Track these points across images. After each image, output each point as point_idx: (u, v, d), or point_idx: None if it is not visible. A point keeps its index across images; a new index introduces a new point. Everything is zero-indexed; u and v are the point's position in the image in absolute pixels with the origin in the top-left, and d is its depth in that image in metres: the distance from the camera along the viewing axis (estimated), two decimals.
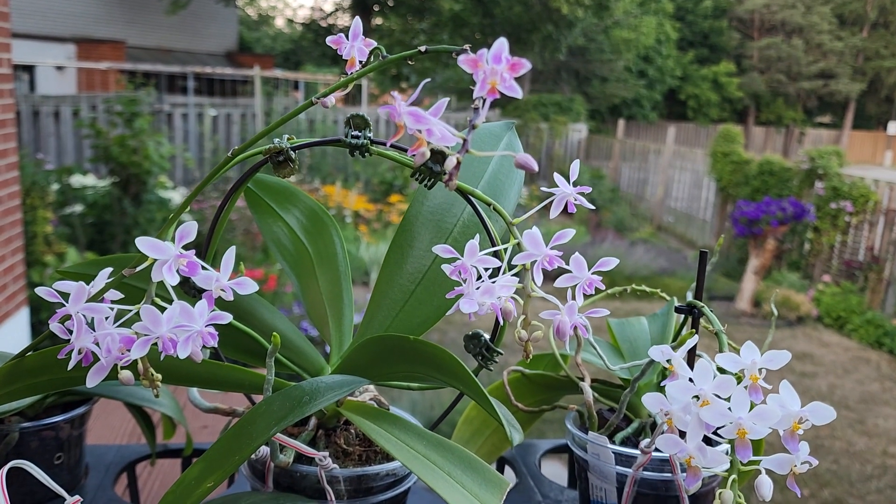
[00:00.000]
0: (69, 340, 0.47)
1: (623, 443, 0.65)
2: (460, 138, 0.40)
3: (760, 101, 20.26)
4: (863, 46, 19.97)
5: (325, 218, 0.68)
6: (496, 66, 0.37)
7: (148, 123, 5.56)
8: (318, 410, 0.58)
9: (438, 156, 0.47)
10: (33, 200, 5.16)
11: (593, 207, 0.49)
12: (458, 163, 0.39)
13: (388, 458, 0.58)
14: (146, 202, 5.38)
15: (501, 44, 0.37)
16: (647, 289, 0.81)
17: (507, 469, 0.83)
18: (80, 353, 0.47)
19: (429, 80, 0.40)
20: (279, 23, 19.85)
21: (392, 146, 0.54)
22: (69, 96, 7.58)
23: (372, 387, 0.66)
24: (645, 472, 0.60)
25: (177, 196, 5.72)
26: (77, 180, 5.63)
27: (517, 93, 0.37)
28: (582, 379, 0.69)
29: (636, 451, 0.60)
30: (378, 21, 12.63)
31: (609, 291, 0.82)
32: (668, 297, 0.76)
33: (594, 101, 17.29)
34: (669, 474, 0.60)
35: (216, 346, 0.59)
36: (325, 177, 8.03)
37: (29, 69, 10.03)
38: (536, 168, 0.42)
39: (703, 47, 20.17)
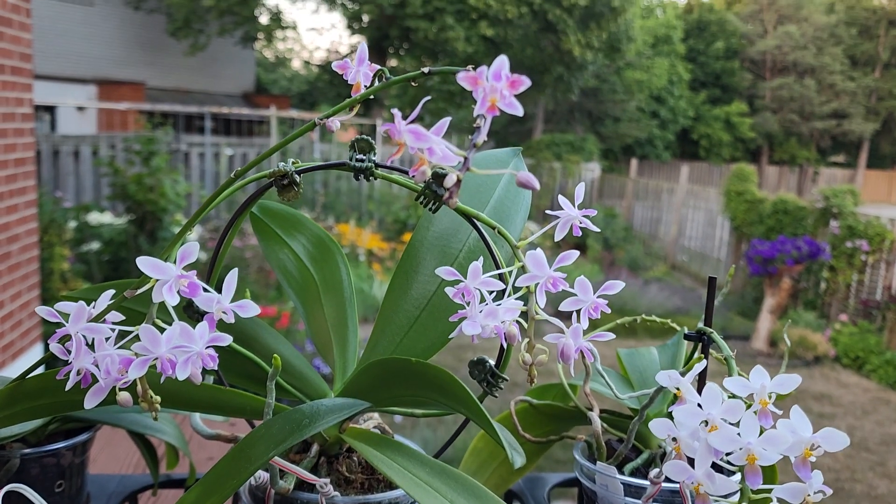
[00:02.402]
0: (69, 362, 0.47)
1: (632, 474, 0.63)
2: (461, 156, 0.40)
3: (773, 141, 20.29)
4: (875, 86, 20.02)
5: (331, 245, 0.68)
6: (496, 84, 0.37)
7: (165, 162, 5.63)
8: (321, 437, 0.58)
9: (442, 179, 0.47)
10: (51, 237, 5.22)
11: (598, 230, 0.49)
12: (459, 180, 0.39)
13: (391, 486, 0.57)
14: (162, 239, 5.43)
15: (502, 61, 0.37)
16: (658, 318, 0.80)
17: (516, 503, 0.81)
18: (78, 373, 0.47)
19: (429, 97, 0.40)
20: (296, 64, 20.16)
21: (398, 170, 0.54)
22: (89, 136, 7.71)
23: (376, 415, 0.65)
24: None
25: (192, 234, 5.77)
26: (94, 218, 5.69)
27: (517, 110, 0.37)
28: (590, 409, 0.68)
29: (645, 482, 0.59)
30: (393, 63, 12.83)
31: (619, 321, 0.81)
32: (678, 327, 0.75)
33: (607, 141, 17.37)
34: None
35: (217, 369, 0.58)
36: (339, 215, 8.08)
37: (50, 109, 10.23)
38: (538, 186, 0.41)
39: (715, 88, 20.29)
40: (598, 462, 0.63)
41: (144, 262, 0.45)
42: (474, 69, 0.38)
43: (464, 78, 0.37)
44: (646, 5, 20.75)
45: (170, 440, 0.72)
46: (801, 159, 20.01)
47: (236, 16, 11.77)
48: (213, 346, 0.47)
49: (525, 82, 0.37)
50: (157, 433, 0.71)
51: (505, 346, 0.49)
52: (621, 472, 0.62)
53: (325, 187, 8.38)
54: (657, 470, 0.56)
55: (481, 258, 0.49)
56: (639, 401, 0.67)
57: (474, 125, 0.40)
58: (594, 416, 0.66)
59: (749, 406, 0.45)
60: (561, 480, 0.82)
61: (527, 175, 0.41)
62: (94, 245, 5.49)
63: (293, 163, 0.54)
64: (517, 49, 11.93)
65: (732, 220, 8.41)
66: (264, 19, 12.60)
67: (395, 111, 0.38)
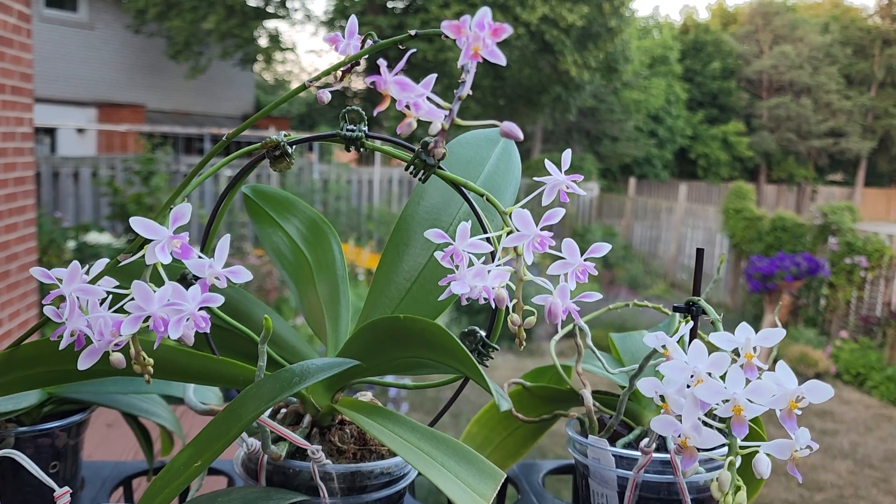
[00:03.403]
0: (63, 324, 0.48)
1: (624, 449, 0.64)
2: (446, 109, 0.41)
3: (771, 160, 20.39)
4: (871, 105, 20.16)
5: (323, 226, 0.69)
6: (479, 32, 0.38)
7: (164, 182, 5.66)
8: (313, 407, 0.58)
9: (430, 147, 0.48)
10: (50, 258, 5.22)
11: (584, 193, 0.49)
12: (444, 129, 0.39)
13: (383, 457, 0.58)
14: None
15: (484, 11, 0.38)
16: (649, 304, 0.81)
17: (510, 488, 0.81)
18: (72, 335, 0.47)
19: (414, 49, 0.41)
20: (295, 86, 20.31)
21: (388, 140, 0.54)
22: (89, 158, 7.74)
23: (370, 393, 0.65)
24: (646, 475, 0.59)
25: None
26: (93, 238, 5.70)
27: (500, 59, 0.38)
28: (582, 388, 0.68)
29: (636, 453, 0.59)
30: None
31: (611, 307, 0.81)
32: (668, 312, 0.75)
33: (605, 160, 17.44)
34: (671, 476, 0.59)
35: (211, 343, 0.59)
36: (339, 235, 8.09)
37: (51, 132, 10.28)
38: (521, 136, 0.42)
39: (712, 107, 20.41)
40: (589, 436, 0.63)
41: (137, 223, 0.46)
42: (458, 18, 0.39)
43: (448, 27, 0.38)
44: (642, 26, 20.95)
45: (164, 423, 0.73)
46: (798, 178, 20.09)
47: (236, 38, 11.86)
48: (206, 308, 0.47)
49: (507, 30, 0.38)
50: (152, 416, 0.72)
51: (494, 307, 0.49)
52: (614, 447, 0.62)
53: (325, 207, 8.41)
54: (647, 440, 0.57)
55: (470, 221, 0.50)
56: (628, 376, 0.68)
57: (459, 80, 0.41)
58: (586, 393, 0.66)
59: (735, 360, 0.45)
60: (556, 466, 0.82)
61: (510, 125, 0.42)
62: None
63: (285, 135, 0.55)
64: (515, 69, 12.01)
65: (731, 237, 8.43)
66: (264, 42, 12.70)
67: (381, 61, 0.39)
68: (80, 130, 10.73)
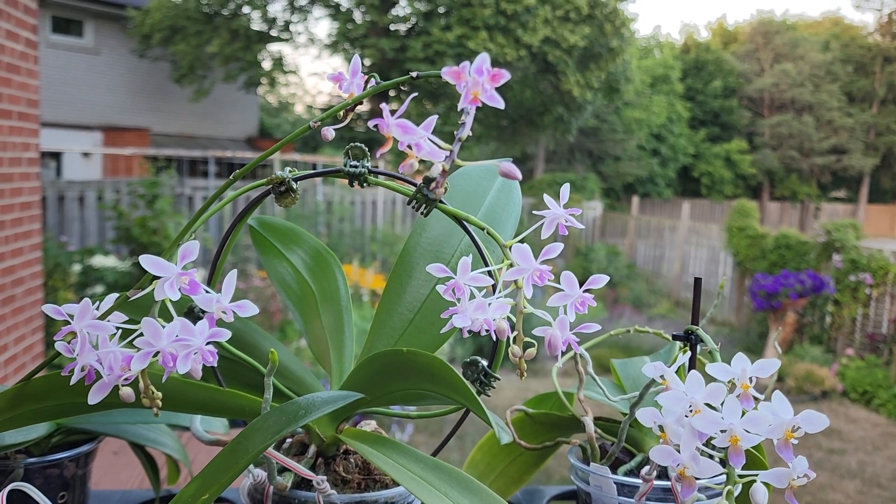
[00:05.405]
0: (74, 360, 0.49)
1: (626, 476, 0.64)
2: (447, 150, 0.42)
3: (774, 178, 20.41)
4: (873, 122, 20.21)
5: (328, 257, 0.70)
6: (478, 78, 0.39)
7: (169, 205, 5.69)
8: (318, 437, 0.59)
9: (432, 183, 0.49)
10: (55, 282, 5.25)
11: (582, 226, 0.50)
12: (445, 171, 0.41)
13: (387, 487, 0.58)
14: None
15: (483, 58, 0.39)
16: (650, 330, 0.82)
17: None
18: (83, 370, 0.48)
19: (416, 94, 0.42)
20: (299, 109, 20.42)
21: (390, 175, 0.56)
22: (94, 181, 7.79)
23: (373, 422, 0.66)
24: (648, 503, 0.59)
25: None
26: (98, 261, 5.72)
27: (498, 103, 0.39)
28: (584, 414, 0.69)
29: (638, 481, 0.60)
30: (394, 106, 12.98)
31: (612, 332, 0.82)
32: (668, 337, 0.76)
33: (608, 179, 17.48)
34: (673, 503, 0.59)
35: (218, 374, 0.60)
36: (343, 256, 8.11)
37: (56, 156, 10.36)
38: (520, 176, 0.43)
39: (714, 126, 20.48)
40: (591, 463, 0.64)
41: (147, 260, 0.47)
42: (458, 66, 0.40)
43: (448, 73, 0.40)
44: (643, 46, 21.07)
45: (171, 453, 0.73)
46: (802, 195, 20.10)
47: (240, 62, 11.96)
48: (213, 343, 0.48)
49: (505, 76, 0.39)
50: (159, 446, 0.73)
51: (495, 338, 0.50)
52: (615, 474, 0.63)
53: (329, 229, 8.44)
54: (648, 467, 0.57)
55: (471, 256, 0.51)
56: (630, 403, 0.68)
57: (459, 121, 0.42)
58: (588, 420, 0.67)
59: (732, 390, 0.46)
60: (559, 492, 0.83)
61: (509, 166, 0.43)
62: (98, 288, 5.51)
63: (290, 170, 0.56)
64: (517, 90, 12.07)
65: (735, 255, 8.42)
66: (267, 65, 12.80)
67: (384, 105, 0.41)
68: (86, 154, 10.80)
